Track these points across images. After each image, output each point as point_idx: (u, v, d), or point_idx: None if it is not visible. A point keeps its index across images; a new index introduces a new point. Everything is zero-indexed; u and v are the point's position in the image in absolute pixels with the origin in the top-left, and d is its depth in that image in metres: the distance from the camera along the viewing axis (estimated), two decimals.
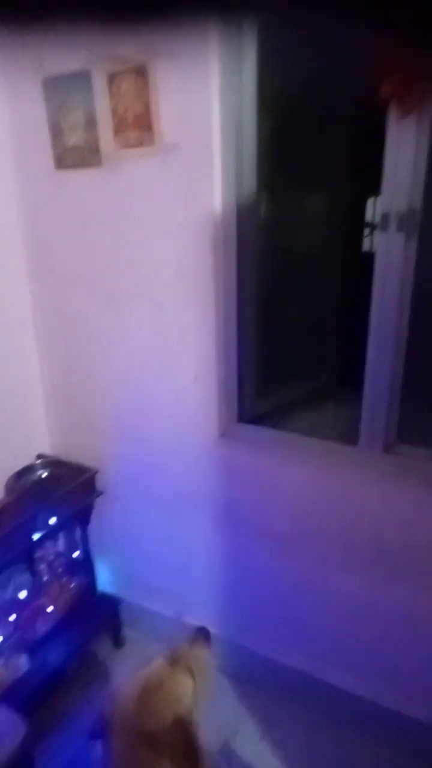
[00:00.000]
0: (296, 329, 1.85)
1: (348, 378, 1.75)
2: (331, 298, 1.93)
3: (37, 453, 1.98)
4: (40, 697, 1.70)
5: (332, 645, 1.68)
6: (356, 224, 2.52)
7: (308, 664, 1.74)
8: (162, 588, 2.00)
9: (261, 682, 1.82)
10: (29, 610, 1.75)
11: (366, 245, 2.75)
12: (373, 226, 2.75)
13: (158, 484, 1.85)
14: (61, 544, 1.92)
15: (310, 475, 1.55)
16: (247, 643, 1.85)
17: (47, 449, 2.02)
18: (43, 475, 1.91)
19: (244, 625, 1.85)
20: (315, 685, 1.72)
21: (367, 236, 2.74)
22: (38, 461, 1.95)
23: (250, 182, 1.48)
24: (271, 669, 1.81)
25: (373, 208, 2.72)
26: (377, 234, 1.32)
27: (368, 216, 2.68)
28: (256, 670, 1.83)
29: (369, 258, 2.61)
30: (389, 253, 1.31)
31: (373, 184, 2.46)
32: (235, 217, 1.48)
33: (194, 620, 1.94)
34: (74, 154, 1.57)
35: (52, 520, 1.75)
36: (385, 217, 1.29)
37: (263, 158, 1.50)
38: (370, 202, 2.64)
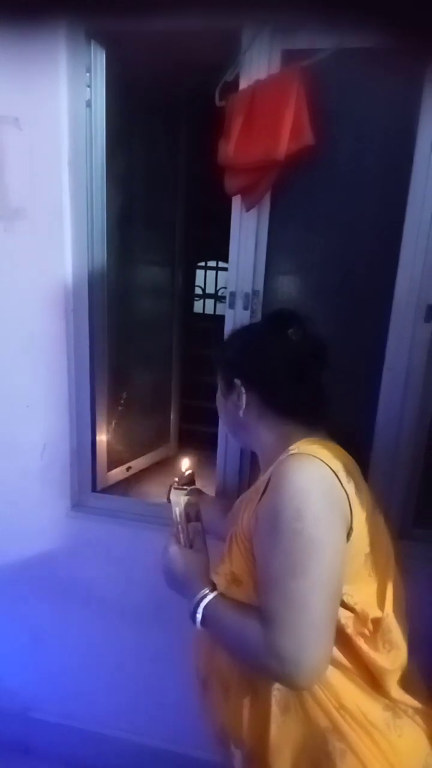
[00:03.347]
0: (145, 395, 1.87)
1: (198, 441, 1.82)
2: (174, 364, 2.00)
3: None
4: None
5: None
6: (193, 291, 2.69)
7: (184, 747, 1.66)
8: (5, 682, 1.77)
9: None
10: None
11: (197, 308, 2.97)
12: (204, 293, 2.99)
13: (2, 566, 1.66)
14: None
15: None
16: (110, 731, 1.72)
17: None
18: None
19: (106, 712, 1.72)
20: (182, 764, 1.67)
21: (197, 300, 2.97)
22: None
23: (100, 251, 1.49)
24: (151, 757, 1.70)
25: (204, 278, 2.97)
26: (226, 310, 1.43)
27: (199, 282, 2.92)
28: (131, 761, 1.70)
29: (207, 320, 2.80)
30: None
31: (203, 256, 2.71)
32: (87, 284, 1.46)
33: (43, 714, 1.76)
34: None
35: None
36: (233, 295, 1.40)
37: (113, 229, 1.53)
38: (200, 273, 2.88)
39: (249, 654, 0.85)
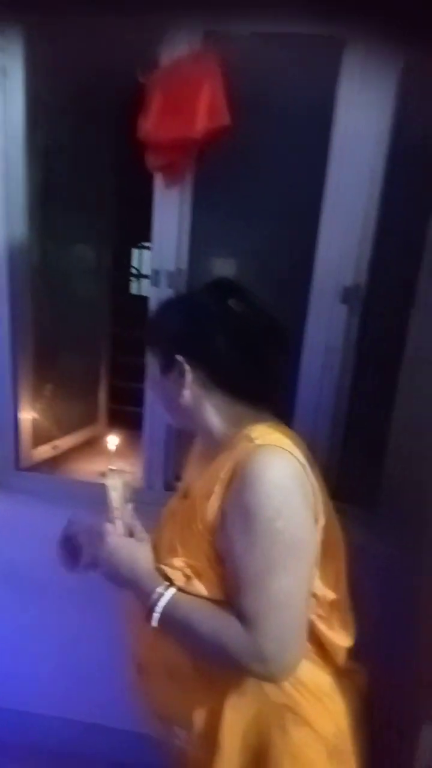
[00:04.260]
0: (73, 374, 1.85)
1: (126, 422, 1.82)
2: (103, 344, 1.99)
3: None
4: None
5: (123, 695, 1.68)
6: (124, 271, 2.66)
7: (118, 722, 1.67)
8: None
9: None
10: None
11: (133, 289, 2.94)
12: (139, 273, 2.96)
13: None
14: None
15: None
16: (38, 710, 1.72)
17: None
18: None
19: (33, 693, 1.72)
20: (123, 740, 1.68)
21: (133, 281, 2.94)
22: None
23: (20, 228, 1.45)
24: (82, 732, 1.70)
25: (139, 257, 2.93)
26: (150, 288, 1.42)
27: (135, 263, 2.88)
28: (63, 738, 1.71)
29: (137, 301, 2.77)
30: None
31: (137, 236, 2.67)
32: (7, 263, 1.43)
33: None
34: None
35: None
36: (156, 273, 1.40)
37: (35, 206, 1.49)
38: (135, 252, 2.83)
39: (227, 656, 0.80)
